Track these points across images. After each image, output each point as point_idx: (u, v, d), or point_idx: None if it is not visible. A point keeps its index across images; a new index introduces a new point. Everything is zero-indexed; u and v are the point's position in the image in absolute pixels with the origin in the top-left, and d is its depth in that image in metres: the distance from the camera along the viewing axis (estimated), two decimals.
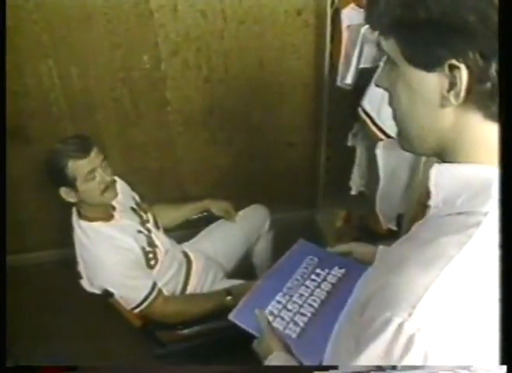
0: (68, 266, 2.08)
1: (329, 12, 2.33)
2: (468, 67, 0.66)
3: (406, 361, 0.65)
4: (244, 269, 2.58)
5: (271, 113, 2.86)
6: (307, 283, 1.51)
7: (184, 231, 2.58)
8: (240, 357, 2.13)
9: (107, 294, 1.93)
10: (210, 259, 2.41)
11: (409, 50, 0.73)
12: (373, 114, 1.98)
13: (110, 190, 1.96)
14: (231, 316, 1.51)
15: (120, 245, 1.96)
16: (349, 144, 2.54)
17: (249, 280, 2.17)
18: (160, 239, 2.19)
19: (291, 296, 1.48)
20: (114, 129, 2.73)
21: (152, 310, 2.00)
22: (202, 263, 2.35)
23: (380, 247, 1.32)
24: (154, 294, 2.00)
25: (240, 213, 2.58)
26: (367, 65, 2.03)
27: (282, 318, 1.42)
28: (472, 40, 0.64)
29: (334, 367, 0.75)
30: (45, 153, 1.91)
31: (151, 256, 2.08)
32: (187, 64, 2.56)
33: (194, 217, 2.54)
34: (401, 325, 0.65)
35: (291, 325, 1.40)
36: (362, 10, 2.09)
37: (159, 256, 2.12)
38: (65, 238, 2.07)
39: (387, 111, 1.97)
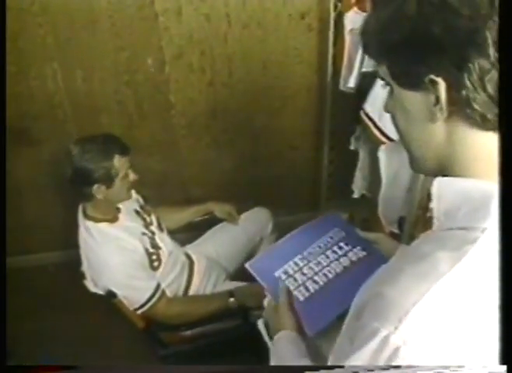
0: (71, 267, 2.09)
1: (332, 15, 2.34)
2: (445, 79, 0.68)
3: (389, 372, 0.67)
4: (247, 271, 2.58)
5: (274, 116, 2.86)
6: (328, 253, 1.51)
7: (187, 234, 2.59)
8: (243, 358, 2.15)
9: (111, 295, 1.94)
10: (212, 261, 2.42)
11: (395, 72, 0.76)
12: (375, 118, 1.98)
13: (132, 189, 2.05)
14: (247, 264, 1.55)
15: (124, 246, 1.98)
16: (352, 147, 2.54)
17: (252, 282, 2.18)
18: (164, 241, 2.20)
19: (309, 261, 1.49)
20: (118, 131, 2.72)
21: (155, 311, 2.01)
22: (204, 265, 2.36)
23: (402, 245, 1.34)
24: (157, 295, 2.01)
25: (243, 215, 2.59)
26: (370, 69, 2.04)
27: (295, 280, 1.44)
28: (442, 51, 0.67)
29: (340, 367, 0.76)
30: (73, 154, 1.87)
31: (154, 257, 2.09)
32: (191, 68, 2.58)
33: (198, 219, 2.55)
34: (386, 337, 0.66)
35: (301, 288, 1.42)
36: (365, 14, 2.10)
37: (163, 257, 2.13)
38: (68, 239, 2.08)
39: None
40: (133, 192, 2.26)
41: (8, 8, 2.11)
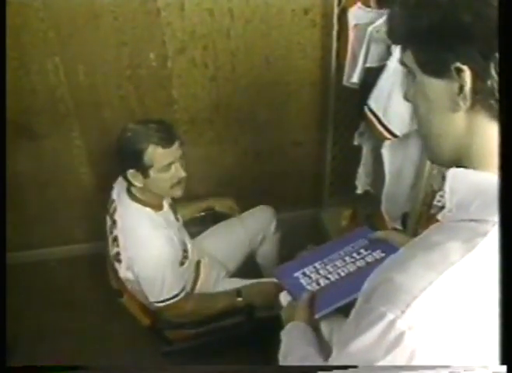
0: (73, 263, 2.09)
1: (336, 11, 2.32)
2: (470, 68, 0.68)
3: (392, 356, 0.67)
4: (252, 268, 2.58)
5: (278, 111, 2.85)
6: (346, 258, 1.56)
7: (188, 231, 2.58)
8: (247, 356, 2.15)
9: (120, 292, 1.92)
10: (212, 259, 2.41)
11: (421, 59, 0.76)
12: (379, 113, 1.97)
13: (179, 186, 1.93)
14: (273, 270, 1.67)
15: (170, 236, 1.95)
16: (355, 143, 2.53)
17: (256, 280, 2.18)
18: (186, 238, 2.18)
19: (326, 265, 1.55)
20: (120, 126, 2.73)
21: (172, 308, 1.99)
22: (207, 263, 2.34)
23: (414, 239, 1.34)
24: (183, 294, 1.99)
25: (246, 213, 2.57)
26: (374, 64, 2.03)
27: (310, 278, 1.51)
28: (471, 40, 0.66)
29: (354, 367, 0.76)
30: (121, 131, 1.87)
31: (185, 254, 2.07)
32: (193, 63, 2.57)
33: (198, 215, 2.53)
34: (392, 322, 0.67)
35: (313, 283, 1.49)
36: (369, 9, 2.09)
37: (190, 254, 2.12)
38: (70, 235, 2.08)
39: (394, 110, 1.98)
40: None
41: (10, 3, 2.11)
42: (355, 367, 0.75)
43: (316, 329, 1.33)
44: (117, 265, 1.97)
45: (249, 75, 2.66)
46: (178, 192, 1.96)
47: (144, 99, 2.67)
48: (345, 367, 0.77)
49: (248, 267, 2.55)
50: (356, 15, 2.14)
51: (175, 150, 1.84)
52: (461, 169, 0.77)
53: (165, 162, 1.82)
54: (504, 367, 0.68)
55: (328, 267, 1.53)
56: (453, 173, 0.78)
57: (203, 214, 2.55)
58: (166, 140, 1.81)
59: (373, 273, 0.80)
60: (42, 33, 2.34)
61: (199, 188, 3.05)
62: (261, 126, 2.89)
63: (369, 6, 2.10)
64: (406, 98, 0.86)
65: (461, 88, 0.70)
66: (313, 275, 1.51)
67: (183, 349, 2.24)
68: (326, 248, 1.65)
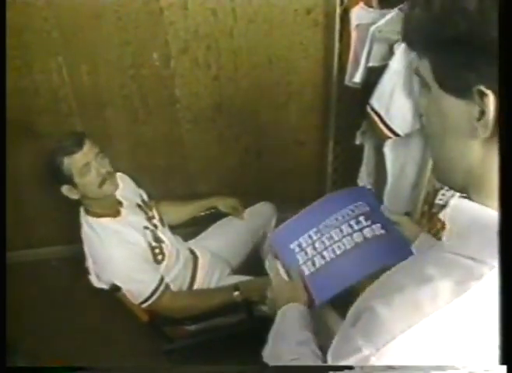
0: (75, 262, 2.09)
1: (338, 11, 2.33)
2: (495, 93, 0.59)
3: None
4: (255, 265, 2.58)
5: (280, 111, 2.85)
6: (343, 227, 1.47)
7: (190, 229, 2.59)
8: (247, 353, 2.14)
9: (114, 289, 1.94)
10: (216, 256, 2.42)
11: (440, 73, 0.67)
12: (381, 112, 1.98)
13: (108, 183, 1.99)
14: (269, 235, 1.62)
15: (127, 239, 1.99)
16: (357, 142, 2.53)
17: (256, 277, 2.19)
18: (166, 235, 2.21)
19: (322, 235, 1.49)
20: (123, 126, 2.74)
21: (160, 304, 2.02)
22: (208, 260, 2.36)
23: (423, 234, 1.33)
24: (162, 287, 2.01)
25: (247, 210, 2.59)
26: (376, 64, 2.03)
27: (306, 254, 1.48)
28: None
29: (350, 368, 0.77)
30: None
31: (157, 251, 2.10)
32: (196, 62, 2.57)
33: (202, 214, 2.56)
34: (367, 358, 0.67)
35: (309, 263, 1.45)
36: (371, 9, 2.10)
37: (166, 251, 2.14)
38: (72, 234, 2.08)
39: (396, 110, 1.98)
40: (135, 186, 2.28)
41: (14, 2, 2.12)
42: (351, 368, 0.76)
43: (313, 312, 1.34)
44: (90, 278, 2.03)
45: (251, 75, 2.66)
46: (110, 188, 2.02)
47: (147, 99, 2.68)
48: (342, 369, 0.78)
49: (254, 265, 2.55)
50: (359, 15, 2.15)
51: (87, 151, 1.94)
52: (466, 200, 0.71)
53: (80, 165, 1.91)
54: (504, 368, 0.68)
55: (324, 239, 1.47)
56: (456, 203, 0.72)
57: (204, 213, 2.57)
58: (73, 146, 1.92)
59: (367, 290, 0.79)
60: (45, 33, 2.35)
61: (201, 187, 3.06)
62: (263, 125, 2.89)
63: (371, 6, 2.10)
64: (420, 108, 0.78)
65: (482, 113, 0.61)
66: (309, 249, 1.48)
67: (184, 347, 2.24)
68: (323, 206, 1.59)
